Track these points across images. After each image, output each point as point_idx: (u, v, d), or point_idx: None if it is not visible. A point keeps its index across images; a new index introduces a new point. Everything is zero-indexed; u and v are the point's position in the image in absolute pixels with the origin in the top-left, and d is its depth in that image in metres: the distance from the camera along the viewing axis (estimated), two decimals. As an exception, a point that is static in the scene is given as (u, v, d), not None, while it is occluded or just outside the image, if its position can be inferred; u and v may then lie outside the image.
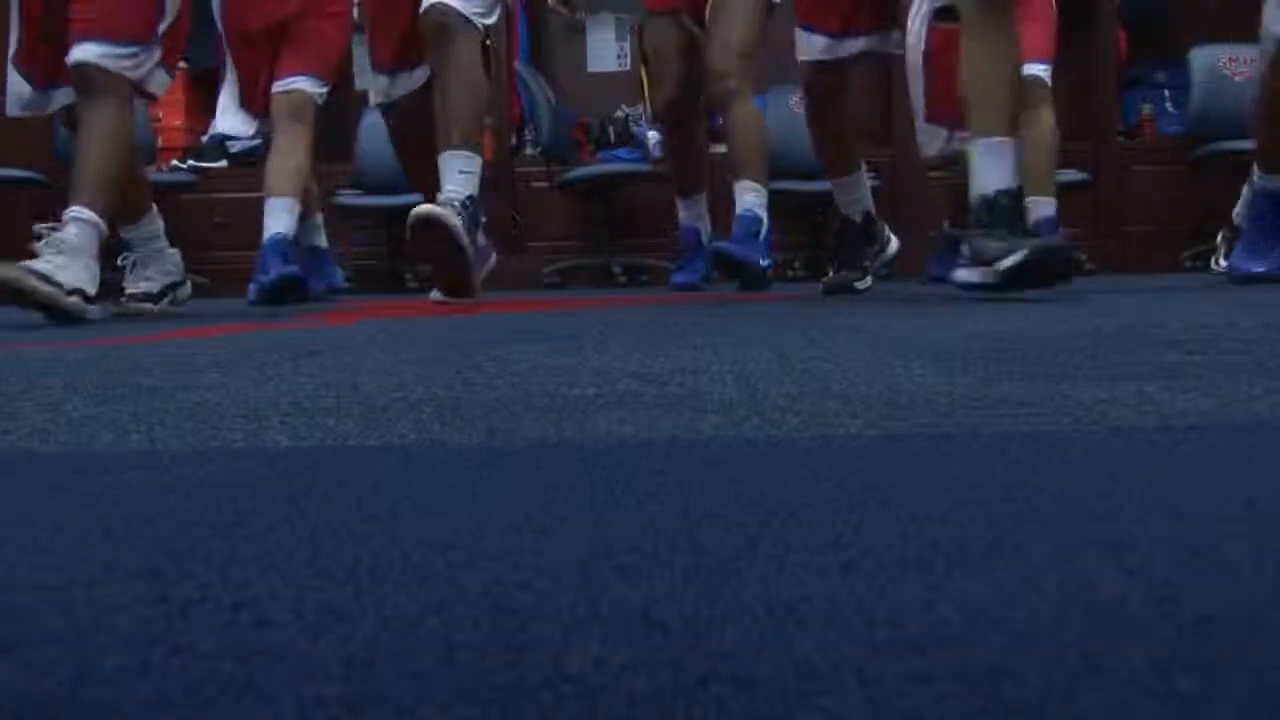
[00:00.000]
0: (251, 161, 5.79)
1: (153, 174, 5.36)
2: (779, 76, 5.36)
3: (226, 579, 0.46)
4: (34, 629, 0.41)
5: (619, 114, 6.19)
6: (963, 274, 2.47)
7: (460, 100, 2.93)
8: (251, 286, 3.61)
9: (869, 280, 3.24)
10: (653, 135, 5.94)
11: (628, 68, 6.50)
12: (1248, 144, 5.16)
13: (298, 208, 3.72)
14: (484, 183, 3.05)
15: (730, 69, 3.47)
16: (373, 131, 5.13)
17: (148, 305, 3.33)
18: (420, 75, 3.15)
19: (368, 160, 5.64)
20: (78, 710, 0.33)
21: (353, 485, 0.66)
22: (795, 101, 4.94)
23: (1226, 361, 1.19)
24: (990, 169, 2.43)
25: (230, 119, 3.83)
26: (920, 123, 3.03)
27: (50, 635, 0.40)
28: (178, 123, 6.41)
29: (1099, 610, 0.40)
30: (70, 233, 2.74)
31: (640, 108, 6.14)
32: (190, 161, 6.11)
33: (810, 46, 2.93)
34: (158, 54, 3.02)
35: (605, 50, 6.65)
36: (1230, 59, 5.45)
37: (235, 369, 1.41)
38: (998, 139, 2.45)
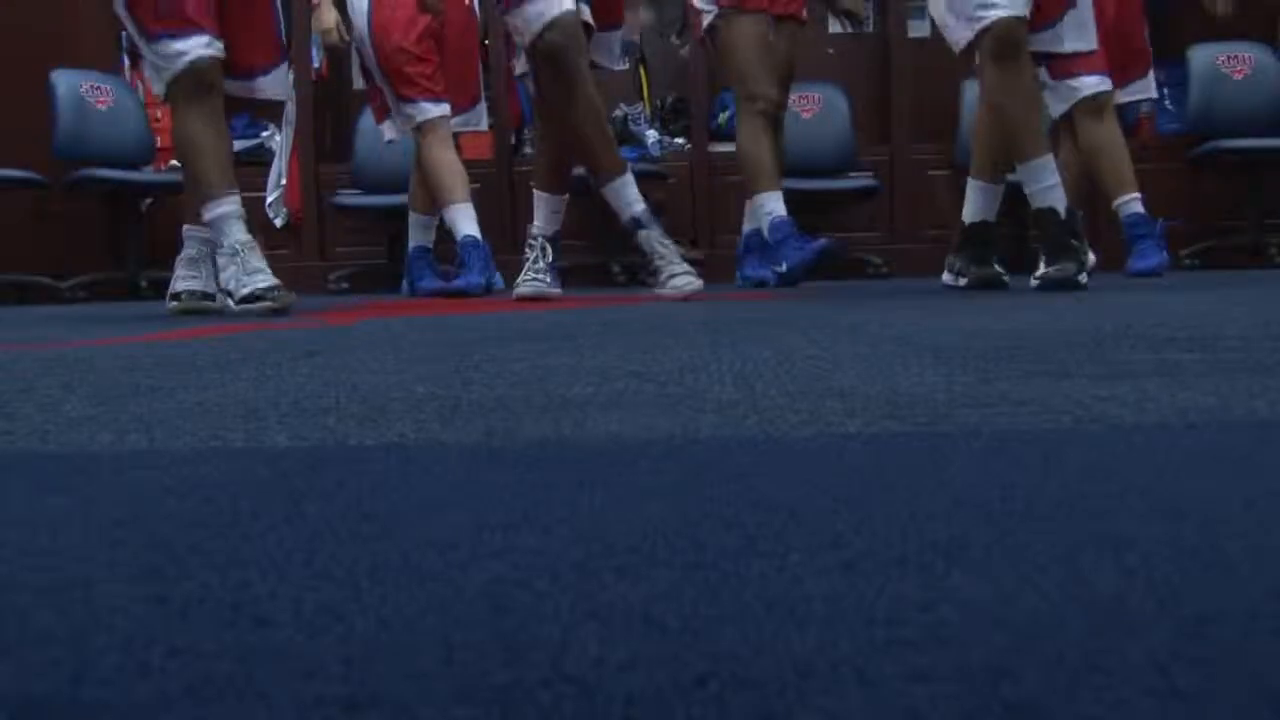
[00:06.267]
0: (251, 162, 5.78)
1: (152, 174, 5.37)
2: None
3: (226, 579, 0.46)
4: (34, 629, 0.41)
5: (619, 114, 6.18)
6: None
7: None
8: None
9: (1086, 271, 3.06)
10: (651, 134, 5.92)
11: (628, 67, 6.49)
12: (1246, 142, 5.16)
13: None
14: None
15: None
16: (369, 132, 5.11)
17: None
18: None
19: (366, 160, 5.62)
20: (78, 710, 0.33)
21: (353, 485, 0.66)
22: (793, 100, 4.93)
23: (1225, 360, 1.19)
24: None
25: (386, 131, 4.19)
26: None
27: (50, 635, 0.40)
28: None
29: (1099, 610, 0.40)
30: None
31: (640, 107, 6.12)
32: (190, 161, 6.09)
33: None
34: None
35: (605, 50, 6.64)
36: (1229, 58, 5.44)
37: (235, 369, 1.41)
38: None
